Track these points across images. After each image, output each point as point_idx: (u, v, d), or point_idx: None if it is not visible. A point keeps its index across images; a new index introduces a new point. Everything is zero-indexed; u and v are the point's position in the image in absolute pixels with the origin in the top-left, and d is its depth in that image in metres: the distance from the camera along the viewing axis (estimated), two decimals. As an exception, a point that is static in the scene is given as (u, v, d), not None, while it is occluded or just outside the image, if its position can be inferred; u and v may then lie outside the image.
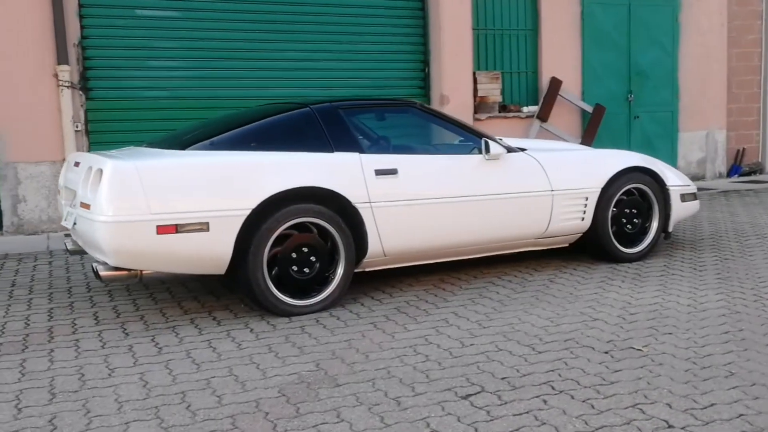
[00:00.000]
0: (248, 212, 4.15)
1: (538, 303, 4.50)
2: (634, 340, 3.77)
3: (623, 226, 5.55)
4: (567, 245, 5.55)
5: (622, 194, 5.51)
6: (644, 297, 4.57)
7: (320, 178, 4.36)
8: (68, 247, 4.75)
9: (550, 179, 5.15)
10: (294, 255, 4.36)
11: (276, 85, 8.58)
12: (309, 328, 4.11)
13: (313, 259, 4.40)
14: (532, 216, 5.09)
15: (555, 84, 9.75)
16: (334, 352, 3.71)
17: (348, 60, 8.91)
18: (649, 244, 5.62)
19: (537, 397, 3.07)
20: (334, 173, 4.42)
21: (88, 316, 4.45)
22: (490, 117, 9.59)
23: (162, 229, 3.99)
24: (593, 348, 3.67)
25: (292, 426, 2.84)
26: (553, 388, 3.16)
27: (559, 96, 9.86)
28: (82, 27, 7.68)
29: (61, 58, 7.65)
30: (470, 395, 3.10)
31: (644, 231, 5.67)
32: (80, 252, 4.67)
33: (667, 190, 5.66)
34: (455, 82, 9.23)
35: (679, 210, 5.76)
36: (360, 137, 4.67)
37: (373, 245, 4.55)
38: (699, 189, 9.89)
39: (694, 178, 10.95)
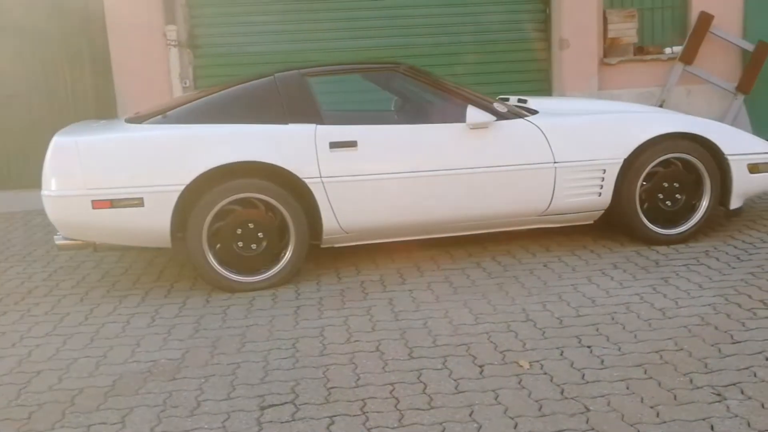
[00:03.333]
0: (182, 188, 4.15)
1: (493, 293, 4.06)
2: (536, 352, 3.29)
3: (661, 203, 4.77)
4: (591, 222, 4.89)
5: (658, 165, 4.72)
6: (622, 294, 3.95)
7: (263, 152, 4.23)
8: None
9: (554, 149, 4.55)
10: (239, 231, 4.28)
11: (380, 35, 8.37)
12: (233, 308, 4.07)
13: (260, 235, 4.31)
14: (528, 191, 4.55)
15: (704, 20, 8.49)
16: (219, 338, 3.66)
17: (457, 4, 8.41)
18: (693, 224, 4.81)
19: (332, 416, 2.81)
20: (281, 147, 4.27)
21: (76, 278, 4.76)
22: (622, 61, 8.63)
23: (97, 204, 4.13)
24: (475, 359, 3.26)
25: (73, 423, 2.86)
26: (363, 407, 2.87)
27: (711, 34, 8.58)
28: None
29: (169, 18, 8.03)
30: (272, 406, 2.92)
31: (692, 208, 4.83)
32: None
33: (726, 159, 4.75)
34: (577, 24, 8.39)
35: (748, 183, 4.84)
36: (323, 107, 4.43)
37: (329, 222, 4.36)
38: None
39: None
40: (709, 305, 3.71)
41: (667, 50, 8.62)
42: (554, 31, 8.45)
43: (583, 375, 3.04)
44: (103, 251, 4.78)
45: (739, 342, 3.26)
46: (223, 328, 3.78)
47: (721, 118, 8.58)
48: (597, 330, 3.49)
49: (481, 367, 3.17)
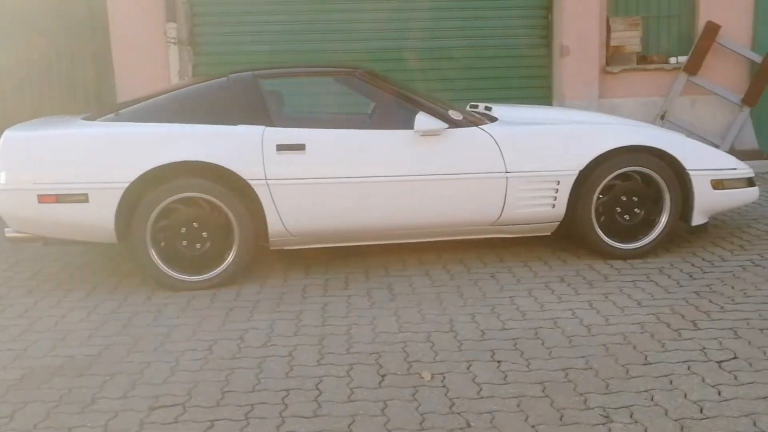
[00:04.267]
0: (126, 185, 4.19)
1: (428, 302, 4.03)
2: (444, 364, 3.27)
3: (619, 217, 4.68)
4: (549, 233, 4.82)
5: (617, 178, 4.63)
6: (555, 309, 3.89)
7: (208, 152, 4.26)
8: None
9: (506, 159, 4.50)
10: (184, 230, 4.31)
11: (379, 38, 8.36)
12: (170, 306, 4.11)
13: (204, 235, 4.34)
14: (479, 201, 4.51)
15: (710, 29, 8.32)
16: (143, 337, 3.71)
17: (458, 8, 8.37)
18: (651, 240, 4.71)
19: (213, 420, 2.81)
20: (227, 147, 4.29)
21: (33, 271, 4.84)
22: (624, 70, 8.51)
23: (43, 198, 4.19)
24: (380, 368, 3.24)
25: (-34, 414, 2.91)
26: (249, 412, 2.87)
27: (718, 45, 8.40)
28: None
29: (170, 16, 8.13)
30: (163, 407, 2.96)
31: (652, 223, 4.73)
32: None
33: (688, 174, 4.64)
34: (578, 31, 8.29)
35: (711, 199, 4.72)
36: (274, 109, 4.44)
37: (274, 225, 4.38)
38: None
39: None
40: (637, 324, 3.63)
41: (672, 60, 8.47)
42: (556, 38, 8.35)
43: (480, 390, 2.99)
44: (66, 245, 4.84)
45: (651, 363, 3.18)
46: (152, 326, 3.81)
47: (725, 130, 8.40)
48: (515, 345, 3.44)
49: (383, 377, 3.15)
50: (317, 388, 3.05)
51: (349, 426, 2.74)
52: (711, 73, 8.45)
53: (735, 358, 3.20)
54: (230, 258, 4.37)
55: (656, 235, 4.69)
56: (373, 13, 8.32)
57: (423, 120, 4.36)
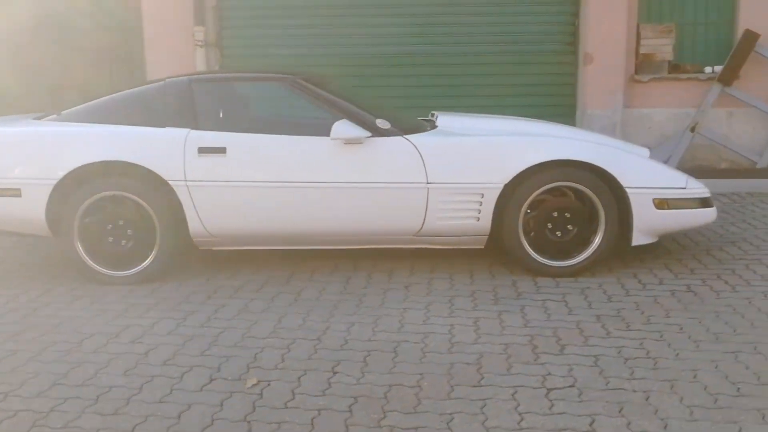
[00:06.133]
0: (55, 182, 4.43)
1: (321, 309, 4.04)
2: (281, 372, 3.29)
3: (550, 233, 4.53)
4: (482, 247, 4.72)
5: (547, 193, 4.49)
6: (438, 323, 3.82)
7: (129, 153, 4.43)
8: None
9: (428, 170, 4.44)
10: (110, 227, 4.51)
11: (407, 42, 8.38)
12: (83, 299, 4.30)
13: (129, 232, 4.52)
14: (399, 211, 4.47)
15: (748, 38, 7.85)
16: (36, 325, 3.89)
17: (483, 14, 8.27)
18: (584, 258, 4.52)
19: (53, 408, 2.95)
20: (151, 149, 4.45)
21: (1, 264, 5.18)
22: (654, 78, 8.15)
23: (-19, 192, 4.49)
24: (216, 372, 3.30)
25: None
26: (98, 402, 2.99)
27: (758, 54, 7.92)
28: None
29: (198, 19, 8.45)
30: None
31: (588, 241, 4.56)
32: None
33: (626, 192, 4.44)
34: (603, 38, 8.02)
35: (654, 219, 4.49)
36: (205, 113, 4.56)
37: (194, 225, 4.51)
38: None
39: None
40: (504, 344, 3.51)
41: (708, 69, 8.05)
42: (582, 44, 8.09)
43: (291, 400, 2.99)
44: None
45: (481, 386, 3.08)
46: (49, 317, 4.01)
47: (764, 145, 7.90)
48: (365, 357, 3.41)
49: (211, 380, 3.20)
50: (140, 388, 3.13)
51: (134, 426, 2.80)
52: (749, 85, 7.96)
53: (571, 386, 3.05)
54: (153, 256, 4.52)
55: (590, 253, 4.50)
56: (396, 18, 8.34)
57: (340, 128, 4.36)
